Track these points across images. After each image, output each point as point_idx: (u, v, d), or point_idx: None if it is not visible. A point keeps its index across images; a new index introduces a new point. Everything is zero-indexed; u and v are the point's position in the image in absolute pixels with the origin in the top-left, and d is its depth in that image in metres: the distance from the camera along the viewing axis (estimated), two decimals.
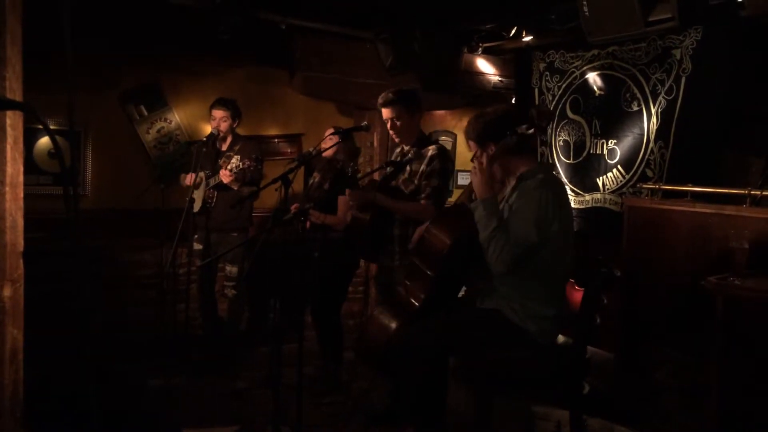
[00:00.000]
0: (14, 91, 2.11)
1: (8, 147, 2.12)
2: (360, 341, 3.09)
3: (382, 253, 3.57)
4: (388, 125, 3.54)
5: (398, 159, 3.63)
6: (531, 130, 2.74)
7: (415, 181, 3.44)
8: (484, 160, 2.75)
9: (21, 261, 2.26)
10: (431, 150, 3.44)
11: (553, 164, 4.75)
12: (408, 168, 3.51)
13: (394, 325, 2.88)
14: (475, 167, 2.79)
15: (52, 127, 4.61)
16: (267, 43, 4.91)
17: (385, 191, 3.50)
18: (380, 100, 3.51)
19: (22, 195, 2.25)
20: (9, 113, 2.05)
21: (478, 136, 2.79)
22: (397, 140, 3.61)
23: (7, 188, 2.17)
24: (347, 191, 3.50)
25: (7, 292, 2.21)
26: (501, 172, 2.82)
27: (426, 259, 2.92)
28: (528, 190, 2.67)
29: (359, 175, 4.17)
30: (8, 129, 2.10)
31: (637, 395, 3.52)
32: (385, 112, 3.51)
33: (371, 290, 5.43)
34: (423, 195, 3.39)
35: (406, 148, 3.60)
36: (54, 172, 4.87)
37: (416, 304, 2.88)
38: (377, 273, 3.89)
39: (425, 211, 3.34)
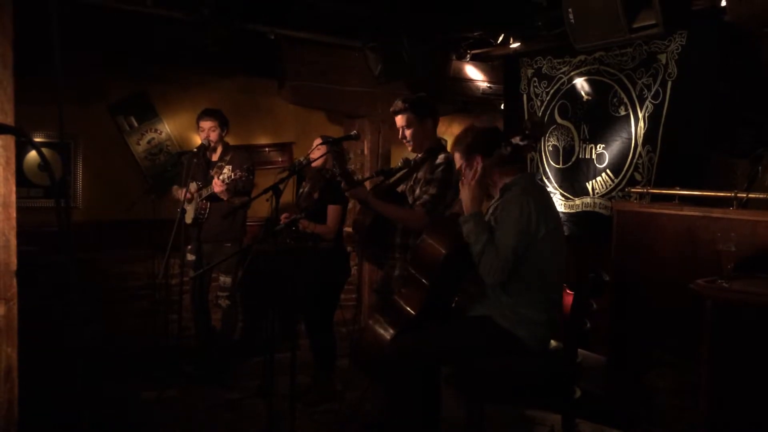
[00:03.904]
0: (6, 112, 2.12)
1: (0, 168, 2.13)
2: (357, 351, 3.09)
3: (383, 260, 3.52)
4: (399, 134, 3.48)
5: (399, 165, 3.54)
6: (525, 142, 2.76)
7: (417, 189, 3.37)
8: (477, 173, 2.76)
9: (14, 280, 2.27)
10: (440, 158, 3.35)
11: (543, 169, 4.79)
12: (415, 175, 3.44)
13: (388, 335, 2.87)
14: (463, 181, 2.81)
15: (41, 139, 4.60)
16: (256, 53, 4.91)
17: (392, 196, 3.46)
18: (391, 109, 3.47)
19: (14, 215, 2.26)
20: (1, 135, 2.07)
21: (467, 147, 2.81)
22: (409, 148, 3.52)
23: (0, 208, 2.18)
24: (343, 186, 3.39)
25: (0, 311, 2.22)
26: (490, 185, 2.85)
27: (422, 268, 2.91)
28: (509, 202, 2.70)
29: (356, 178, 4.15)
30: (0, 150, 2.11)
31: (628, 398, 3.55)
32: (396, 121, 3.46)
33: (364, 297, 5.45)
34: (418, 201, 3.31)
35: (414, 155, 3.50)
36: (44, 184, 4.83)
37: (413, 312, 2.86)
38: (377, 281, 3.75)
39: (416, 217, 3.26)
